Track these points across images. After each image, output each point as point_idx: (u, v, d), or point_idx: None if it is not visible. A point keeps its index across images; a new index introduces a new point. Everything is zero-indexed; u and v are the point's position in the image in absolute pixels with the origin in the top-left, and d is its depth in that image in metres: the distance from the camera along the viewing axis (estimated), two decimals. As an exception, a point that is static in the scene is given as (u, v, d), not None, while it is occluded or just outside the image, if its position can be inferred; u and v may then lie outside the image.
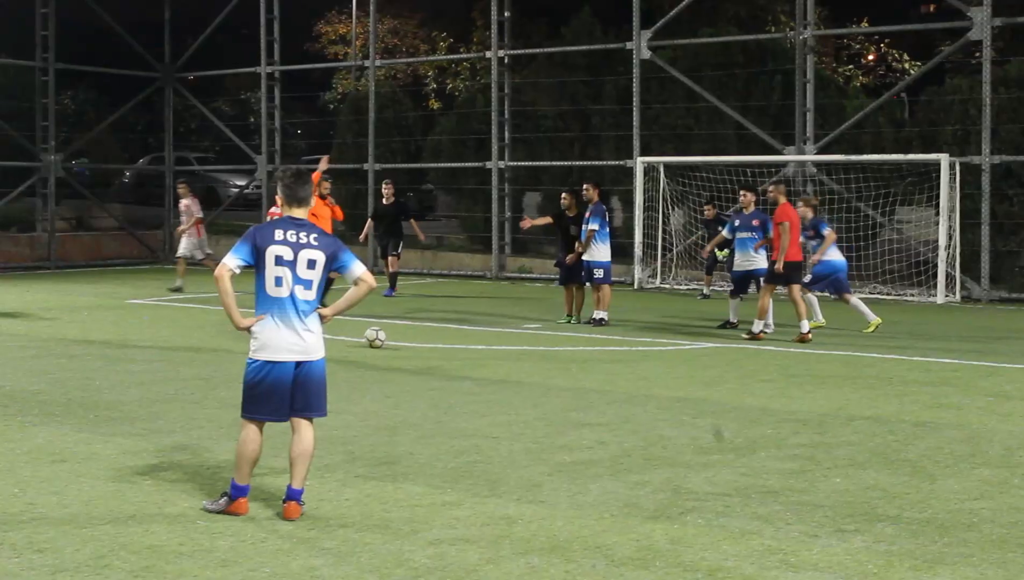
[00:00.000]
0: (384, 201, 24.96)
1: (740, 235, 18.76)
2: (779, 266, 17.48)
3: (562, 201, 20.26)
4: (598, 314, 19.58)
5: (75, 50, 35.77)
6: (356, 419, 11.51)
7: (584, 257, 19.33)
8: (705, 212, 25.01)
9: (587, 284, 19.78)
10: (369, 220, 25.45)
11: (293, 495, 8.08)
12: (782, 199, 18.08)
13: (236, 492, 8.12)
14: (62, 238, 34.53)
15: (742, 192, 19.28)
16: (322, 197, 22.93)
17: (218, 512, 8.08)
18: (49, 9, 33.84)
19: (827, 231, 18.60)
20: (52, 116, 34.29)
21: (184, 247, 25.84)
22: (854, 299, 18.72)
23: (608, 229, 19.67)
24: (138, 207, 40.27)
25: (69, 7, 34.46)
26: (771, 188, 18.74)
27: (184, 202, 26.11)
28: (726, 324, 19.09)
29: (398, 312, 21.06)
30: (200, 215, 26.09)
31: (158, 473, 9.27)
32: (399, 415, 11.81)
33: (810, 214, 18.73)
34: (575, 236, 19.67)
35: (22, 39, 35.13)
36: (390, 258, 24.50)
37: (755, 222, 18.58)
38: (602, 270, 19.38)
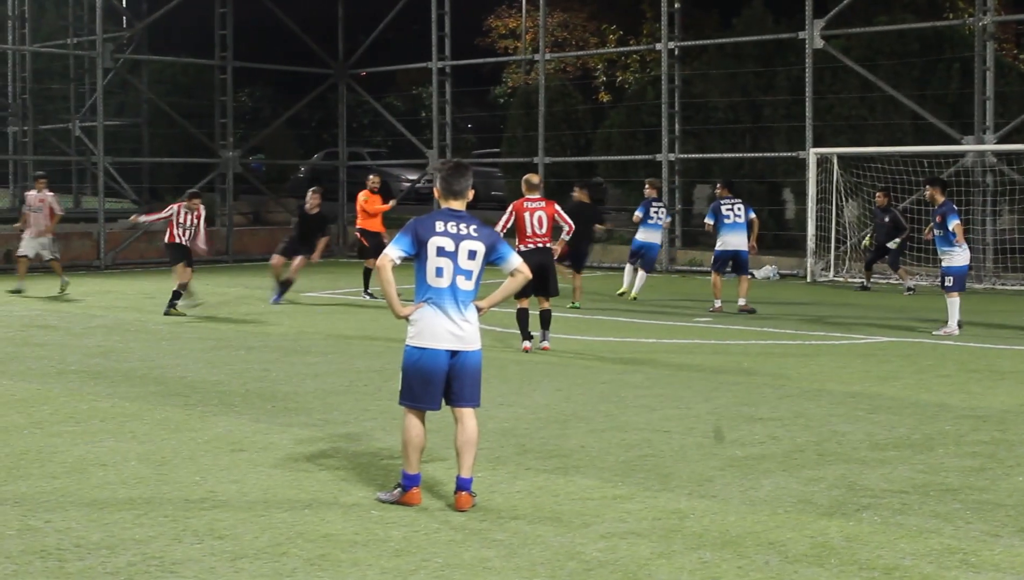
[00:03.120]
0: (308, 209, 22.77)
1: (936, 233, 17.89)
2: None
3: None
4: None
5: (251, 48, 36.67)
6: (527, 412, 11.55)
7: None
8: (877, 199, 24.52)
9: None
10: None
11: (463, 485, 8.14)
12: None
13: (408, 482, 8.21)
14: (239, 232, 35.35)
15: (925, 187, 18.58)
16: (373, 192, 23.03)
17: (392, 502, 8.18)
18: (227, 9, 34.68)
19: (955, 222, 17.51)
20: (231, 113, 35.16)
21: (33, 246, 23.59)
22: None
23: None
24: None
25: (246, 6, 35.27)
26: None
27: (39, 196, 23.55)
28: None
29: (575, 303, 21.03)
30: (61, 212, 24.16)
31: (333, 463, 9.42)
32: (569, 408, 11.81)
33: (940, 197, 17.73)
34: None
35: (201, 39, 36.08)
36: (299, 259, 22.27)
37: (937, 218, 17.78)
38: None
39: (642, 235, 22.88)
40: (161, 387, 13.00)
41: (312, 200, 22.79)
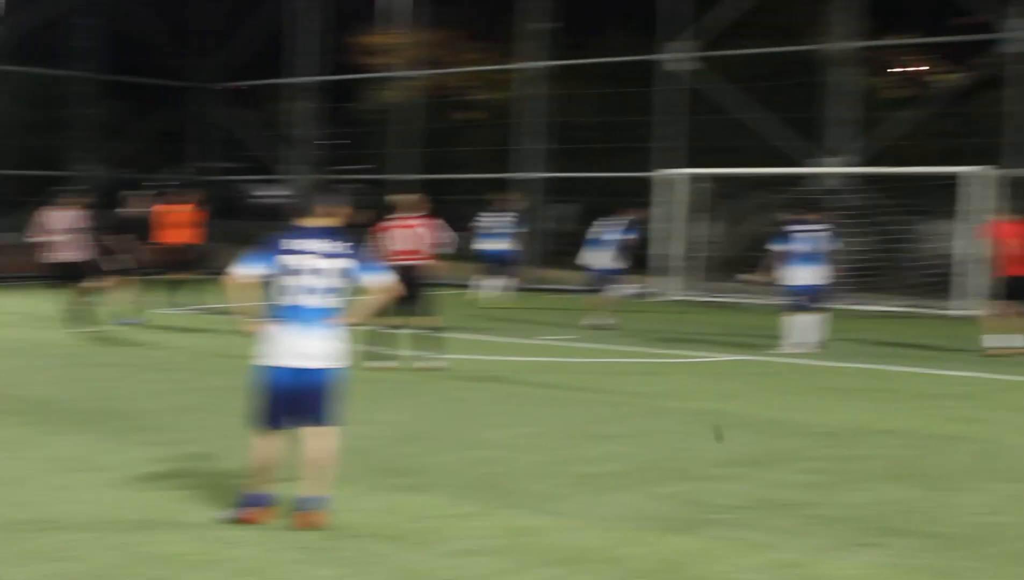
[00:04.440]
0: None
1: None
2: None
3: None
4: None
5: (112, 60, 36.04)
6: (376, 430, 11.53)
7: None
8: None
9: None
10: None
11: (310, 504, 8.11)
12: (797, 218, 17.91)
13: (253, 501, 8.15)
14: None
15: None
16: (178, 204, 22.60)
17: (236, 522, 8.11)
18: (88, 21, 34.12)
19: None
20: (91, 126, 34.56)
21: None
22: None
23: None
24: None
25: (109, 18, 34.75)
26: None
27: None
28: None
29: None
30: None
31: (180, 482, 9.31)
32: (419, 426, 11.83)
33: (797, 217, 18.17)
34: None
35: (60, 50, 35.43)
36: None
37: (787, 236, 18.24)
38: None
39: (494, 244, 24.58)
40: (3, 405, 12.70)
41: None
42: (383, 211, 16.20)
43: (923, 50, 45.03)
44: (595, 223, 21.00)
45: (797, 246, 17.65)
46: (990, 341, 17.42)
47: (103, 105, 37.11)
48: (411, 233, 15.79)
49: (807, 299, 17.83)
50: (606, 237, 20.86)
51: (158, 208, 22.88)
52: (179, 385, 14.30)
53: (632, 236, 20.98)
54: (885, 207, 25.65)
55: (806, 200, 19.11)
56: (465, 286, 29.67)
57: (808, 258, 17.71)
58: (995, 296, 17.86)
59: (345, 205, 8.54)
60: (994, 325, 17.45)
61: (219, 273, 9.32)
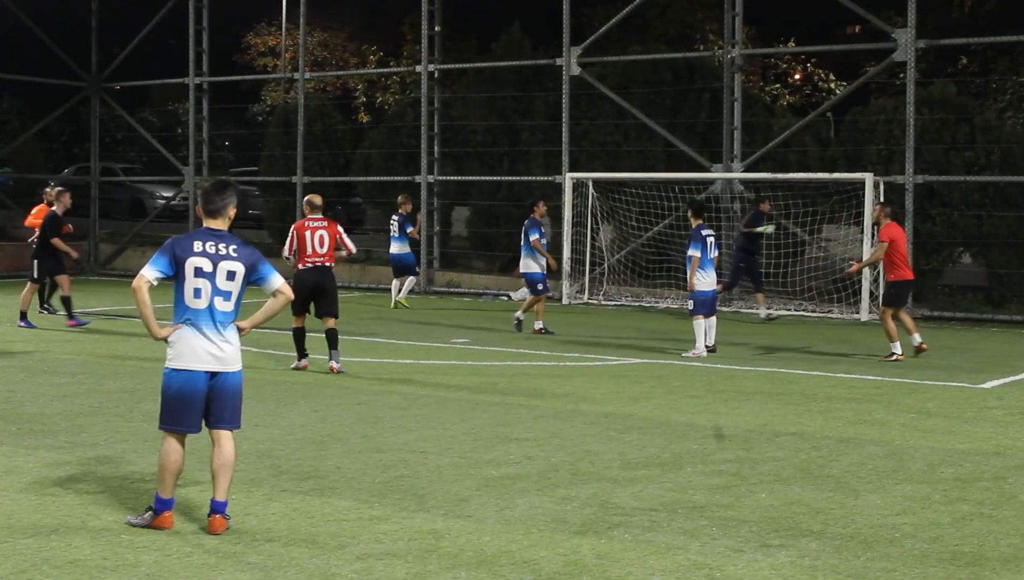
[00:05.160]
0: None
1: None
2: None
3: None
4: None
5: (5, 59, 35.39)
6: (282, 433, 11.46)
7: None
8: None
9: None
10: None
11: (217, 508, 8.04)
12: (885, 220, 18.16)
13: (160, 506, 8.06)
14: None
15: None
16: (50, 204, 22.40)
17: (143, 526, 8.01)
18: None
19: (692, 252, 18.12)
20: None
21: None
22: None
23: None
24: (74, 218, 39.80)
25: (2, 17, 34.13)
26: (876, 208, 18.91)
27: None
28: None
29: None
30: None
31: (82, 486, 9.17)
32: (326, 429, 11.76)
33: (694, 221, 18.28)
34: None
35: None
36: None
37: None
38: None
39: (397, 247, 25.08)
40: (-102, 409, 12.44)
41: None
42: (275, 213, 16.07)
43: (810, 57, 45.93)
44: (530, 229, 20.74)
45: (705, 251, 17.79)
46: (894, 347, 17.68)
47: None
48: (319, 235, 15.83)
49: (712, 303, 18.04)
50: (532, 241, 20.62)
51: (35, 209, 23.01)
52: (77, 388, 14.07)
53: (536, 236, 20.88)
54: (782, 212, 25.98)
55: (700, 204, 19.27)
56: (370, 289, 29.61)
57: (711, 263, 17.93)
58: (889, 300, 18.17)
59: (237, 206, 8.50)
60: (891, 329, 17.73)
61: (125, 275, 9.19)
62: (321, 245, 15.87)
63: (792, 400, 14.03)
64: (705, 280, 17.94)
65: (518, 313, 21.02)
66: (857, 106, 29.20)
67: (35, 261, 21.16)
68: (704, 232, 17.99)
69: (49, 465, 9.89)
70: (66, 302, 20.69)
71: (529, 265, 20.75)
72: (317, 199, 16.43)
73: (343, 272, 30.54)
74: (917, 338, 18.17)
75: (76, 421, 11.94)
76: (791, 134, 27.02)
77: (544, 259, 20.67)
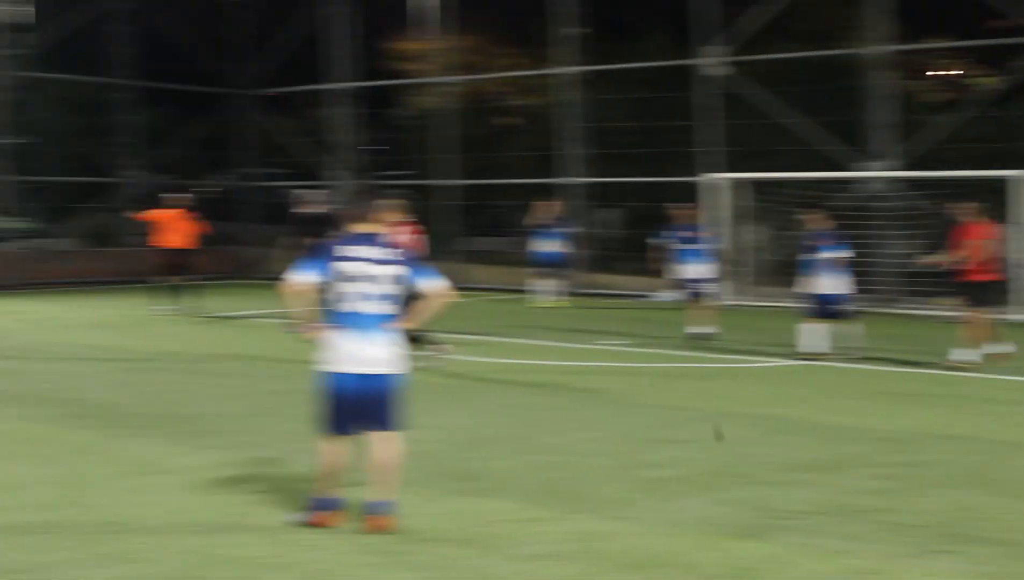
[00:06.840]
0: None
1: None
2: None
3: None
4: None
5: (153, 67, 36.26)
6: (442, 434, 11.54)
7: None
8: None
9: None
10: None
11: (377, 508, 8.13)
12: (820, 225, 17.55)
13: (322, 505, 8.18)
14: (141, 253, 34.85)
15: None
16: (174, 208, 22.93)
17: (306, 525, 8.13)
18: (125, 28, 34.33)
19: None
20: (133, 132, 34.74)
21: None
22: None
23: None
24: (225, 223, 40.59)
25: (148, 25, 34.99)
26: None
27: None
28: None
29: (485, 327, 21.03)
30: None
31: (247, 486, 9.35)
32: (480, 431, 11.83)
33: (820, 225, 17.72)
34: None
35: (102, 57, 35.65)
36: None
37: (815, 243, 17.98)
38: None
39: (546, 247, 26.19)
40: (71, 409, 12.82)
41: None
42: (423, 217, 16.04)
43: (959, 53, 44.87)
44: (663, 232, 20.42)
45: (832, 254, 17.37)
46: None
47: (144, 112, 37.39)
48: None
49: (835, 306, 17.50)
50: (696, 246, 20.14)
51: (159, 213, 24.05)
52: (238, 389, 14.35)
53: (719, 244, 20.42)
54: (929, 210, 25.42)
55: (826, 208, 18.54)
56: (520, 291, 29.70)
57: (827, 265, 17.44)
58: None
59: (392, 210, 8.60)
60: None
61: (276, 279, 9.36)
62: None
63: (958, 402, 13.73)
64: (832, 282, 17.41)
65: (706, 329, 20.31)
66: (1010, 102, 28.49)
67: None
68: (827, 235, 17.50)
69: (215, 464, 10.07)
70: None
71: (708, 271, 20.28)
72: (397, 202, 16.22)
73: (496, 275, 30.76)
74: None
75: (240, 421, 12.19)
76: (945, 131, 26.46)
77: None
